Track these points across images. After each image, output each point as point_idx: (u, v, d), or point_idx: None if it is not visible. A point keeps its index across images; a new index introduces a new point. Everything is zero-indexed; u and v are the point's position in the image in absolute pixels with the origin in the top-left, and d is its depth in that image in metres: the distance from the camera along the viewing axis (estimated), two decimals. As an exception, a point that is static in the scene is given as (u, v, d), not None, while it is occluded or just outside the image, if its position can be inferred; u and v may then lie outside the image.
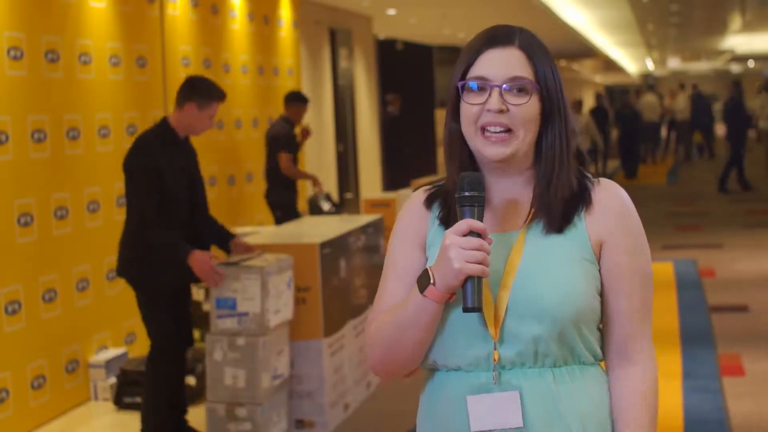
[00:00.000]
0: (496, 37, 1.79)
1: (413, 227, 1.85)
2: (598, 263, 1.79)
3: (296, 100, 7.95)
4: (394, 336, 1.76)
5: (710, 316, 7.22)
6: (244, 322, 4.58)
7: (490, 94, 1.75)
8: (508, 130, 1.75)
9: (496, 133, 1.75)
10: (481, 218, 1.69)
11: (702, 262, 9.29)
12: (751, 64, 39.09)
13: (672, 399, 5.33)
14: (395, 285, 1.83)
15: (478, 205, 1.69)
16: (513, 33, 1.79)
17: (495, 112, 1.74)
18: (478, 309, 1.67)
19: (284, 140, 7.74)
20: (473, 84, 1.77)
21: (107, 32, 6.06)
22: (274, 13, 9.18)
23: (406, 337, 1.75)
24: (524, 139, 1.76)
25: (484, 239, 1.66)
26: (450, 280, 1.66)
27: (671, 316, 7.21)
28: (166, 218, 4.59)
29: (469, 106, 1.77)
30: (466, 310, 1.67)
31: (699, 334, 6.69)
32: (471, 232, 1.66)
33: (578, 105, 16.45)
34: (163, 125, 4.80)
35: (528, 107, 1.75)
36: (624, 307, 1.80)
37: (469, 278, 1.66)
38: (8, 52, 5.09)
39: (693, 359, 6.09)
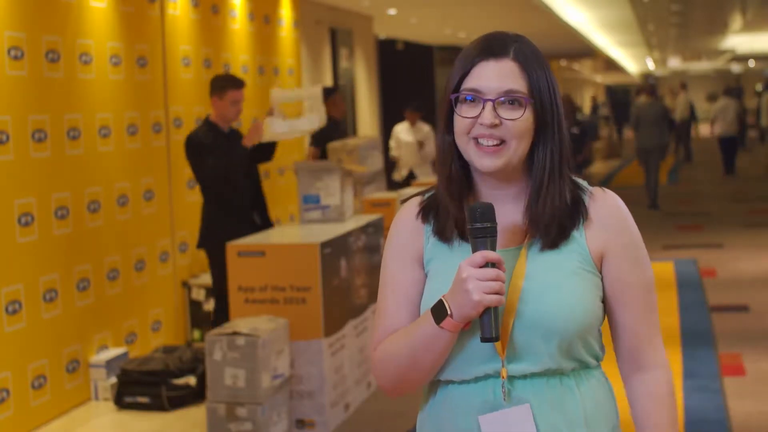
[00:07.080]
0: (491, 47, 1.76)
1: (408, 243, 1.84)
2: (600, 273, 1.79)
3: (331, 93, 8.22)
4: (408, 362, 1.76)
5: (711, 316, 7.21)
6: (327, 213, 5.56)
7: (483, 108, 1.74)
8: (501, 142, 1.74)
9: (488, 145, 1.74)
10: (494, 248, 1.68)
11: (703, 262, 9.29)
12: (751, 63, 39.08)
13: (672, 399, 5.33)
14: (396, 304, 1.82)
15: (491, 235, 1.69)
16: (508, 43, 1.76)
17: (488, 126, 1.73)
18: (496, 339, 1.67)
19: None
20: (467, 96, 1.75)
21: (108, 32, 6.06)
22: (275, 13, 9.18)
23: (421, 363, 1.75)
24: (516, 150, 1.75)
25: (499, 269, 1.67)
26: (468, 311, 1.67)
27: (672, 315, 7.21)
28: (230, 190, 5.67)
29: (462, 119, 1.76)
30: (484, 340, 1.68)
31: (699, 334, 6.69)
32: (486, 263, 1.66)
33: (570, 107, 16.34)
34: (207, 122, 5.80)
35: (522, 121, 1.74)
36: (631, 320, 1.80)
37: (486, 308, 1.66)
38: (9, 52, 5.09)
39: (693, 359, 6.09)
